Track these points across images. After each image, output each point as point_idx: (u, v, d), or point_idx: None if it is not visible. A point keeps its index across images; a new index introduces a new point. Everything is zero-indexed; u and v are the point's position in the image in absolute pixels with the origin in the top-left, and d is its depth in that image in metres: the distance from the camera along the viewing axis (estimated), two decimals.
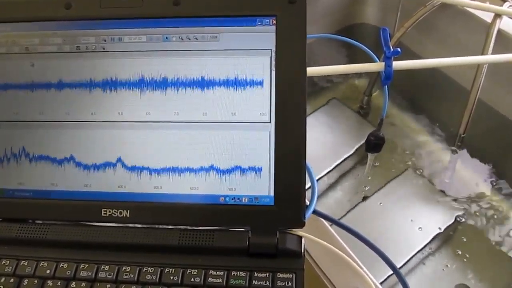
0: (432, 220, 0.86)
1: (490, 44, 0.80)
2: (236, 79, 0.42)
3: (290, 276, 0.40)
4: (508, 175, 0.94)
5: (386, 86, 0.75)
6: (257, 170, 0.42)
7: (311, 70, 0.69)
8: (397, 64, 0.70)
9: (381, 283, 0.80)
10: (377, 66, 0.71)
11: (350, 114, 1.03)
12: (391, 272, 0.82)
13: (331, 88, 1.12)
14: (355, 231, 0.52)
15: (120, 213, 0.43)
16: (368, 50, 0.76)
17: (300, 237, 0.42)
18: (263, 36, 0.42)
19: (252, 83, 0.42)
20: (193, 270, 0.41)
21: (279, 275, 0.40)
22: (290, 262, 0.41)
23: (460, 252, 0.88)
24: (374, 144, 0.80)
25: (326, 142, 0.98)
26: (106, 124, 0.43)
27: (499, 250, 0.87)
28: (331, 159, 0.95)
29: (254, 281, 0.40)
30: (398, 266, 0.82)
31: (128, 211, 0.43)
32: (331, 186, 0.97)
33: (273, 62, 0.42)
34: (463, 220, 0.89)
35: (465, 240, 0.89)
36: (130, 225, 0.43)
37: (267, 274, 0.40)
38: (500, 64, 0.84)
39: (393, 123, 1.06)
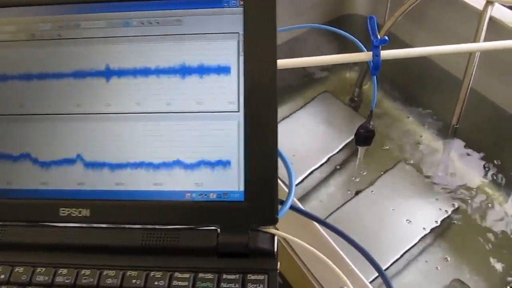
0: (426, 214, 0.82)
1: (482, 32, 0.75)
2: (202, 65, 0.38)
3: (262, 277, 0.36)
4: (503, 166, 0.89)
5: (375, 77, 0.70)
6: (225, 163, 0.38)
7: (300, 61, 0.65)
8: (386, 53, 0.66)
9: (372, 281, 0.76)
10: (365, 56, 0.66)
11: (341, 107, 0.98)
12: (385, 268, 0.78)
13: (322, 81, 1.07)
14: (339, 230, 0.48)
15: (80, 212, 0.39)
16: (355, 39, 0.72)
17: (273, 235, 0.38)
18: (230, 19, 0.38)
19: (219, 70, 0.38)
20: (157, 273, 0.37)
21: (250, 276, 0.36)
22: (262, 262, 0.37)
23: (455, 246, 0.83)
24: (364, 137, 0.75)
25: (317, 136, 0.93)
26: (63, 117, 0.39)
27: (495, 243, 0.83)
28: (322, 153, 0.91)
29: (222, 283, 0.36)
30: (391, 262, 0.77)
31: (88, 210, 0.39)
32: (323, 181, 0.93)
33: (241, 47, 0.38)
34: (458, 213, 0.85)
35: (460, 233, 0.85)
36: (91, 225, 0.39)
37: (237, 275, 0.36)
38: (492, 52, 0.80)
39: (386, 115, 1.02)
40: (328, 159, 0.90)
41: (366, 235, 0.80)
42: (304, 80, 1.05)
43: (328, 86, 1.05)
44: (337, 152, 0.91)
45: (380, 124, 0.99)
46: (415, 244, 0.79)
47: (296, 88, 1.04)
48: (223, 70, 0.38)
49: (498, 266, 0.81)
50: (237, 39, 0.38)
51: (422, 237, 0.80)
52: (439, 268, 0.82)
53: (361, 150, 0.77)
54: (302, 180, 0.88)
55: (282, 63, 0.64)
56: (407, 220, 0.82)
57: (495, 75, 0.84)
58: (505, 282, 0.77)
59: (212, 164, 0.38)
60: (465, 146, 0.93)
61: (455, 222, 0.86)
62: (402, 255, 0.78)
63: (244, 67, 0.38)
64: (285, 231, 0.39)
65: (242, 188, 0.38)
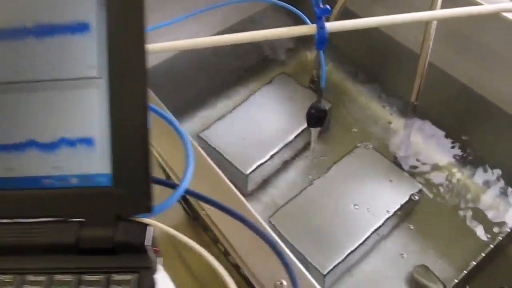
0: (389, 197, 0.76)
1: (438, 2, 0.68)
2: (53, 22, 0.31)
3: (129, 277, 0.29)
4: (467, 143, 0.82)
5: (322, 52, 0.63)
6: (88, 141, 0.31)
7: (236, 37, 0.58)
8: (331, 25, 0.58)
9: (328, 272, 0.69)
10: (308, 29, 0.59)
11: (300, 89, 0.91)
12: (339, 261, 0.71)
13: (280, 63, 1.00)
14: (238, 214, 0.41)
15: None
16: (299, 11, 0.65)
17: (146, 226, 0.31)
18: None
19: (74, 27, 0.31)
20: (6, 276, 0.30)
21: (114, 277, 0.29)
22: (133, 259, 0.30)
23: (420, 230, 0.77)
24: (315, 118, 0.68)
25: (275, 119, 0.86)
26: None
27: (462, 225, 0.76)
28: (281, 138, 0.84)
29: (82, 286, 0.29)
30: (353, 248, 0.70)
31: None
32: (282, 167, 0.86)
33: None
34: (421, 195, 0.78)
35: (425, 216, 0.78)
36: None
37: (101, 276, 0.29)
38: (452, 25, 0.73)
39: (346, 95, 0.95)
40: (287, 143, 0.83)
41: (327, 220, 0.74)
42: (260, 62, 0.98)
43: (286, 68, 0.98)
44: (296, 136, 0.84)
45: (338, 104, 0.93)
46: (378, 229, 0.72)
47: (253, 70, 0.97)
48: (81, 27, 0.30)
49: (465, 250, 0.74)
50: None
51: (385, 222, 0.73)
52: (403, 253, 0.75)
53: (314, 132, 0.70)
54: (260, 165, 0.81)
55: (218, 39, 0.57)
56: (369, 204, 0.75)
57: (455, 49, 0.77)
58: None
59: (72, 143, 0.31)
60: (427, 124, 0.86)
61: (420, 204, 0.79)
62: (364, 241, 0.72)
63: (107, 24, 0.30)
64: None
65: (109, 171, 0.31)
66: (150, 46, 0.56)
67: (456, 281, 0.68)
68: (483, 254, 0.59)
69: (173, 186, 0.35)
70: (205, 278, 0.63)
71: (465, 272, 0.61)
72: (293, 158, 0.87)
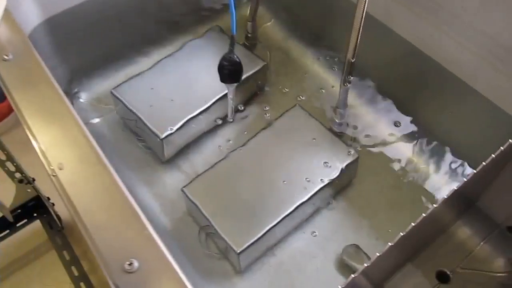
0: (319, 168, 0.66)
1: None
2: None
3: None
4: (412, 112, 0.72)
5: None
6: None
7: None
8: None
9: (243, 251, 0.59)
10: None
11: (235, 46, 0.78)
12: (256, 238, 0.60)
13: (215, 14, 0.88)
14: None
15: None
16: None
17: None
18: None
19: None
20: None
21: None
22: None
23: (354, 206, 0.67)
24: (229, 72, 0.57)
25: (200, 78, 0.74)
26: None
27: (399, 200, 0.66)
28: (206, 99, 0.72)
29: None
30: (274, 223, 0.60)
31: None
32: (207, 132, 0.75)
33: None
34: (357, 166, 0.68)
35: (359, 191, 0.68)
36: None
37: None
38: None
39: (284, 53, 0.83)
40: (211, 105, 0.72)
41: (247, 193, 0.63)
42: (190, 15, 0.85)
43: (220, 21, 0.86)
44: (223, 97, 0.72)
45: (274, 61, 0.81)
46: (305, 203, 0.63)
47: (184, 21, 0.84)
48: None
49: (404, 227, 0.64)
50: None
51: (314, 196, 0.63)
52: (334, 232, 0.65)
53: (230, 89, 0.58)
54: (180, 129, 0.69)
55: None
56: (296, 175, 0.64)
57: (404, 4, 0.66)
58: None
59: None
60: (369, 89, 0.75)
61: (356, 177, 0.69)
62: (287, 217, 0.62)
63: None
64: None
65: None
66: None
67: None
68: (413, 224, 0.49)
69: None
70: None
71: (391, 244, 0.50)
72: (220, 122, 0.75)
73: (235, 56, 0.55)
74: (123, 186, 0.42)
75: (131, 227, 0.39)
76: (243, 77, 0.73)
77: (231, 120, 0.73)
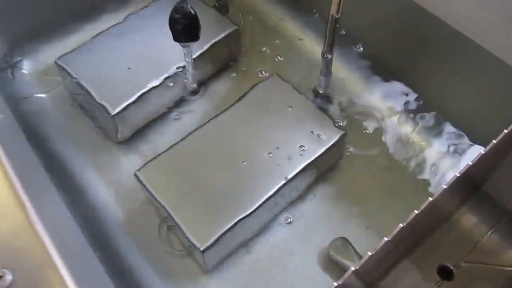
0: (300, 148, 0.54)
1: None
2: None
3: None
4: (408, 81, 0.61)
5: None
6: None
7: None
8: None
9: (208, 248, 0.48)
10: None
11: (202, 9, 0.67)
12: (222, 232, 0.49)
13: None
14: None
15: None
16: None
17: None
18: None
19: None
20: None
21: None
22: None
23: (341, 192, 0.56)
24: (183, 27, 0.45)
25: (163, 43, 0.62)
26: None
27: (394, 185, 0.57)
28: (164, 70, 0.60)
29: None
30: (244, 215, 0.49)
31: None
32: (167, 108, 0.63)
33: None
34: (345, 146, 0.57)
35: (348, 174, 0.58)
36: None
37: None
38: None
39: (254, 14, 0.72)
40: (170, 77, 0.60)
41: (213, 178, 0.52)
42: None
43: None
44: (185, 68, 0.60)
45: (247, 23, 0.70)
46: (281, 190, 0.51)
47: None
48: None
49: (399, 217, 0.52)
50: None
51: (293, 181, 0.52)
52: (318, 223, 0.54)
53: (186, 50, 0.46)
54: (133, 104, 0.58)
55: None
56: (271, 157, 0.53)
57: None
58: None
59: None
60: (357, 53, 0.64)
61: (344, 158, 0.58)
62: (261, 207, 0.50)
63: None
64: None
65: None
66: None
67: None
68: (416, 212, 0.39)
69: None
70: None
71: (387, 239, 0.40)
72: (182, 96, 0.64)
73: (189, 7, 0.43)
74: None
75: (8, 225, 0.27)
76: (212, 42, 0.62)
77: (193, 88, 0.61)
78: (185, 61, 0.47)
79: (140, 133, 0.62)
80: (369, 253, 0.40)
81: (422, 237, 0.51)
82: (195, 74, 0.61)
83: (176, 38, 0.44)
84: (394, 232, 0.41)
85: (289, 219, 0.55)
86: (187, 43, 0.45)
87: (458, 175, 0.43)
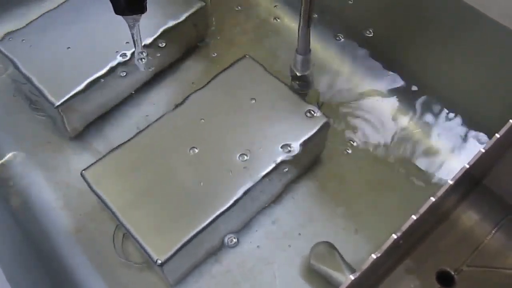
0: (275, 140, 0.46)
1: None
2: None
3: None
4: (396, 54, 0.53)
5: None
6: None
7: None
8: None
9: (167, 261, 0.39)
10: None
11: None
12: (185, 241, 0.40)
13: None
14: None
15: None
16: None
17: None
18: None
19: None
20: None
21: None
22: None
23: (325, 191, 0.49)
24: None
25: (116, 24, 0.52)
26: None
27: (387, 181, 0.50)
28: (126, 49, 0.51)
29: None
30: (210, 220, 0.41)
31: None
32: (132, 96, 0.55)
33: None
34: (329, 136, 0.49)
35: (332, 170, 0.49)
36: None
37: None
38: None
39: None
40: (131, 57, 0.51)
41: (179, 175, 0.44)
42: None
43: None
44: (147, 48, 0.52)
45: (224, 8, 0.61)
46: (252, 189, 0.43)
47: None
48: None
49: (393, 219, 0.44)
50: None
51: (268, 178, 0.44)
52: (299, 226, 0.46)
53: (132, 24, 0.37)
54: (82, 93, 0.50)
55: None
56: (243, 151, 0.44)
57: None
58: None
59: None
60: (339, 24, 0.55)
61: (328, 150, 0.50)
62: (228, 210, 0.42)
63: None
64: None
65: None
66: None
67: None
68: (414, 217, 0.32)
69: None
70: None
71: (378, 255, 0.32)
72: (143, 84, 0.55)
73: None
74: None
75: None
76: (176, 20, 0.53)
77: (149, 71, 0.52)
78: (133, 39, 0.38)
79: (94, 127, 0.54)
80: (355, 274, 0.32)
81: (419, 239, 0.44)
82: (157, 57, 0.52)
83: (117, 11, 0.35)
84: (388, 244, 0.33)
85: (265, 224, 0.47)
86: (132, 16, 0.36)
87: (462, 171, 0.37)
